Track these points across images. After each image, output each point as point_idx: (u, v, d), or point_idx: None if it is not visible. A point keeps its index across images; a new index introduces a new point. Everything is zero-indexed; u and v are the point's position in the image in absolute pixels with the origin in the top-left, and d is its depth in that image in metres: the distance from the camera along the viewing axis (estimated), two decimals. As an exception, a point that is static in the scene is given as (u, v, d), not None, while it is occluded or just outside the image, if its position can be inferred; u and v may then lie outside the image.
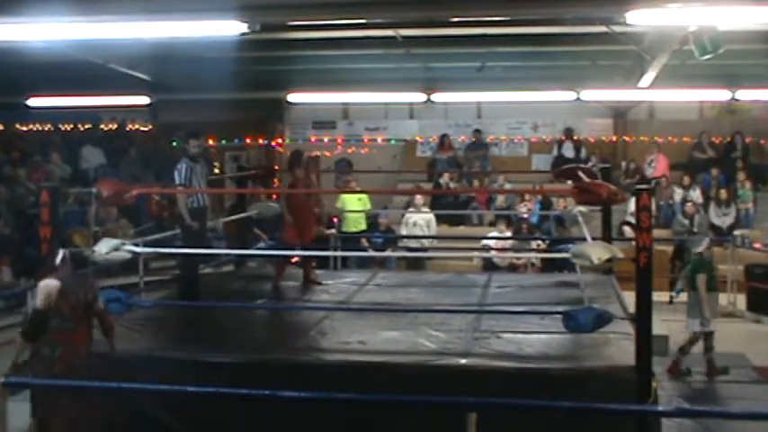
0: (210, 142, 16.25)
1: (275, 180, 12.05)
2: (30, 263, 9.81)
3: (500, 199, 14.72)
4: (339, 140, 17.09)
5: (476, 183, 15.55)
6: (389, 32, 10.68)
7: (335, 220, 12.90)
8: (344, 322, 6.99)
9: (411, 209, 13.50)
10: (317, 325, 6.87)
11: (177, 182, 7.82)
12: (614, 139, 16.33)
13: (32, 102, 14.71)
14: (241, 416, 5.58)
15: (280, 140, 17.10)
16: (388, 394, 5.27)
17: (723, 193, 14.19)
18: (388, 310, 7.53)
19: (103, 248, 6.17)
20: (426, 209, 13.55)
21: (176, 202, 8.07)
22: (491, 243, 12.47)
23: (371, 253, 12.66)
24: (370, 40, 11.23)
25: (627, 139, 16.25)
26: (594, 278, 8.74)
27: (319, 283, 8.69)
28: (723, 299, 10.77)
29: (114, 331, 5.71)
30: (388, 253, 12.82)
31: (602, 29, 9.88)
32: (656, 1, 7.03)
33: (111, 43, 9.65)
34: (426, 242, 12.93)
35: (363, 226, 13.39)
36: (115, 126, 16.97)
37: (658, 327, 7.27)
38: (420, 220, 13.05)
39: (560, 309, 5.92)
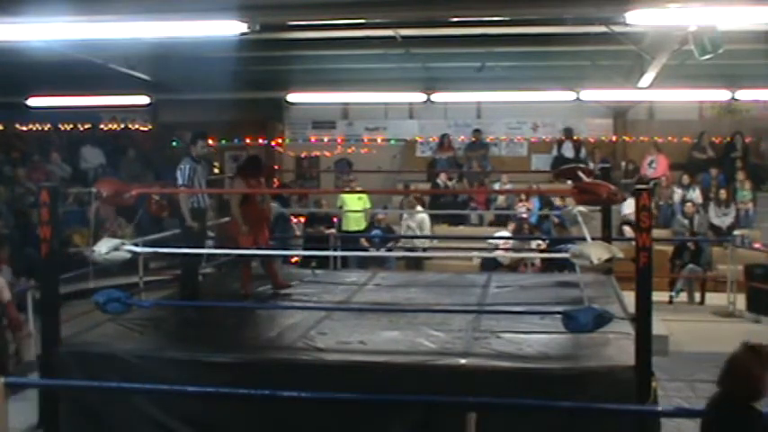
0: (210, 142, 16.24)
1: (276, 180, 12.02)
2: (30, 263, 9.81)
3: (500, 199, 14.72)
4: (339, 140, 17.09)
5: (474, 183, 15.55)
6: (389, 32, 10.66)
7: (335, 219, 12.90)
8: (344, 322, 6.98)
9: (406, 211, 13.49)
10: (317, 325, 6.86)
11: (180, 182, 7.78)
12: (614, 139, 16.32)
13: (32, 102, 14.69)
14: (241, 416, 5.57)
15: (280, 140, 17.10)
16: (388, 394, 5.28)
17: (723, 193, 14.19)
18: (388, 310, 7.52)
19: (103, 248, 6.16)
20: (420, 208, 13.53)
21: (176, 202, 8.05)
22: (499, 242, 12.45)
23: (371, 253, 12.66)
24: (370, 40, 11.21)
25: (627, 139, 16.25)
26: (594, 278, 8.72)
27: (289, 286, 8.46)
28: (723, 299, 10.79)
29: (23, 332, 5.24)
30: (388, 253, 12.81)
31: (602, 29, 9.86)
32: (656, 1, 7.03)
33: (111, 43, 9.64)
34: (421, 243, 12.92)
35: (364, 225, 13.41)
36: (115, 126, 16.98)
37: (658, 327, 7.27)
38: (412, 223, 13.06)
39: (560, 309, 5.91)
